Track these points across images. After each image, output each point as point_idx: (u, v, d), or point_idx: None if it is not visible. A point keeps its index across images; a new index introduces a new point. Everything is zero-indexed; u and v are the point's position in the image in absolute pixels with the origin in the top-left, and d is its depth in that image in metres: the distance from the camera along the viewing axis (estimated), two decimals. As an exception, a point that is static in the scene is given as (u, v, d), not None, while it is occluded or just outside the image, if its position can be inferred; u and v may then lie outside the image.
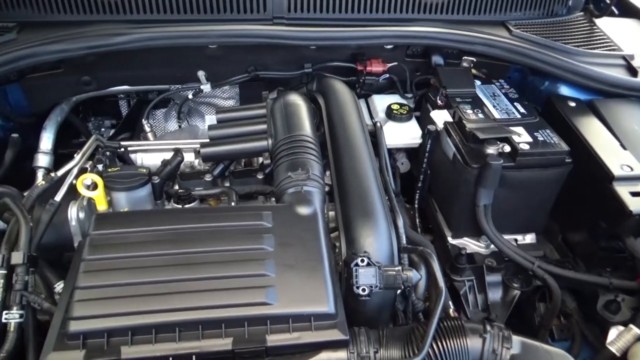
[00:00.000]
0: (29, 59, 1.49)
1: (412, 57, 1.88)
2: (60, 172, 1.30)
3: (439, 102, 1.67)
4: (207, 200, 1.44)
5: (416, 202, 1.72)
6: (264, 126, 1.45)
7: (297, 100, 1.51)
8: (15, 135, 1.61)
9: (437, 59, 1.81)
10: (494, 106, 1.62)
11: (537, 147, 1.43)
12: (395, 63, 1.84)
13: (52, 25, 1.62)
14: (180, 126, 2.05)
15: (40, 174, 1.61)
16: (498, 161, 1.38)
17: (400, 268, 1.08)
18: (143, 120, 1.87)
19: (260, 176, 1.47)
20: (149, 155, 1.64)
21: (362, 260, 1.09)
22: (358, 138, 1.41)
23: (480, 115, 1.57)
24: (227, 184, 1.53)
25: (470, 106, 1.60)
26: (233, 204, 1.32)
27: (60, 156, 1.70)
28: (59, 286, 1.19)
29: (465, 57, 1.81)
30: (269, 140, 1.39)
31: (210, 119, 1.97)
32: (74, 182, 1.30)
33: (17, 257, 1.09)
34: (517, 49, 1.68)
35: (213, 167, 1.50)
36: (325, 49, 1.77)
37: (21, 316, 1.06)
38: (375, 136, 1.59)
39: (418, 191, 1.71)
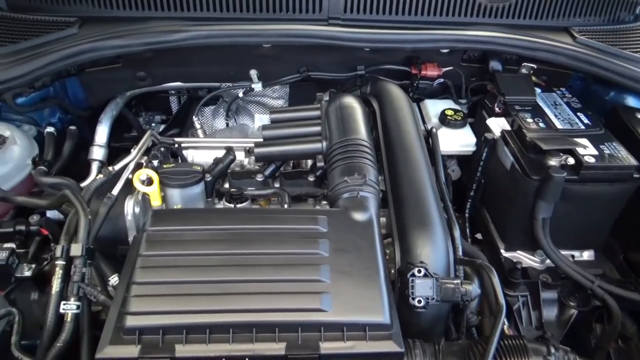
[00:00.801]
0: (91, 53, 1.52)
1: (469, 62, 1.83)
2: (117, 167, 1.31)
3: (497, 109, 1.62)
4: (257, 201, 1.43)
5: (467, 211, 1.67)
6: (318, 128, 1.43)
7: (352, 103, 1.48)
8: (73, 127, 1.65)
9: (495, 65, 1.75)
10: (556, 115, 1.56)
11: (603, 160, 1.36)
12: (451, 68, 1.79)
13: (111, 21, 1.65)
14: (227, 124, 2.06)
15: (95, 166, 1.64)
16: (561, 174, 1.32)
17: (459, 281, 1.05)
18: (193, 117, 1.89)
19: (311, 178, 1.46)
20: (199, 152, 1.65)
21: (419, 271, 1.06)
22: (414, 144, 1.38)
23: (541, 125, 1.50)
24: (277, 185, 1.51)
25: (530, 115, 1.54)
26: (286, 206, 1.31)
27: (113, 149, 1.74)
28: (113, 279, 1.20)
29: (525, 64, 1.74)
30: (323, 142, 1.37)
31: (260, 118, 1.97)
32: (130, 176, 1.31)
33: (76, 249, 1.10)
34: (583, 57, 1.61)
35: (264, 167, 1.49)
36: (379, 51, 1.74)
37: (78, 307, 1.08)
38: (429, 142, 1.55)
39: (469, 200, 1.66)
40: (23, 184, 1.41)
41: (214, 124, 2.09)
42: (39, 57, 1.47)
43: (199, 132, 1.86)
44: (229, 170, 1.49)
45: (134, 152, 1.38)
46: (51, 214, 1.41)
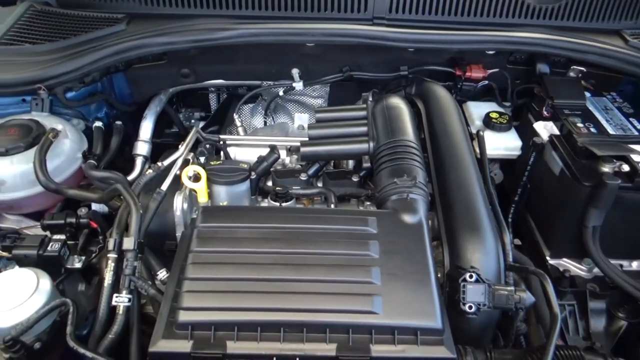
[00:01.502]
0: (139, 49, 1.54)
1: (515, 64, 1.79)
2: (165, 162, 1.33)
3: (545, 113, 1.58)
4: (300, 200, 1.43)
5: (510, 216, 1.64)
6: (364, 128, 1.42)
7: (399, 103, 1.47)
8: (119, 122, 1.68)
9: (542, 67, 1.71)
10: (607, 120, 1.52)
11: (659, 168, 1.31)
12: (496, 70, 1.76)
13: (158, 18, 1.67)
14: (265, 122, 2.07)
15: (139, 161, 1.66)
16: (615, 181, 1.28)
17: (513, 288, 1.03)
18: (234, 114, 1.90)
19: (355, 179, 1.45)
20: (241, 150, 1.66)
21: (471, 276, 1.04)
22: (462, 147, 1.36)
23: (592, 130, 1.46)
24: (320, 184, 1.51)
25: (580, 119, 1.50)
26: (332, 206, 1.30)
27: (154, 145, 1.75)
28: (161, 274, 1.21)
29: (574, 67, 1.70)
30: (370, 143, 1.36)
31: (299, 117, 1.97)
32: (178, 172, 1.32)
33: (128, 243, 1.12)
34: (635, 60, 1.56)
35: (307, 166, 1.49)
36: (423, 51, 1.72)
37: (129, 300, 1.09)
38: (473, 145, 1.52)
39: (513, 205, 1.63)
40: (73, 176, 1.43)
41: (252, 122, 2.10)
42: (89, 52, 1.50)
43: (240, 129, 1.87)
44: (272, 169, 1.49)
45: (181, 148, 1.39)
46: (96, 206, 1.43)
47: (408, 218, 1.15)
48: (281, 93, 1.89)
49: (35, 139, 1.36)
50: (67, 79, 1.48)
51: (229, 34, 1.57)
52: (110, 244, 1.14)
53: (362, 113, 1.47)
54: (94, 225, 1.34)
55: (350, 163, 1.60)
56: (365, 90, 1.87)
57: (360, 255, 1.06)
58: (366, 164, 1.41)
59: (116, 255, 1.13)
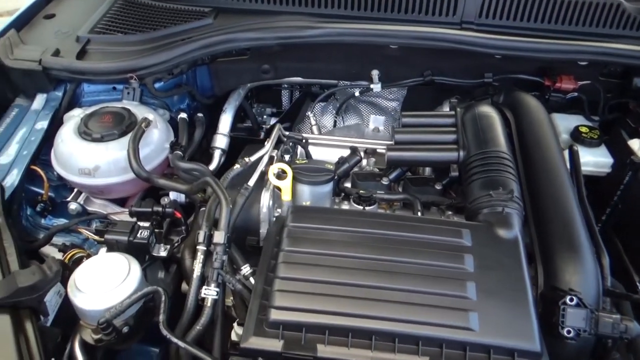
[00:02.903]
0: (227, 44, 1.55)
1: (608, 76, 1.70)
2: (252, 158, 1.33)
3: (642, 130, 1.50)
4: (379, 204, 1.41)
5: (596, 237, 1.56)
6: (453, 136, 1.38)
7: (491, 112, 1.42)
8: (200, 115, 1.70)
9: (639, 82, 1.62)
10: None
11: None
12: (588, 82, 1.67)
13: (243, 13, 1.68)
14: (335, 122, 2.05)
15: (217, 154, 1.68)
16: None
17: (619, 316, 0.97)
18: (309, 113, 1.89)
19: (438, 187, 1.41)
20: (318, 149, 1.65)
21: (572, 299, 0.99)
22: (556, 161, 1.30)
23: (697, 151, 1.38)
24: (400, 189, 1.49)
25: (682, 139, 1.42)
26: (419, 214, 1.27)
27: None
28: (245, 269, 1.22)
29: (675, 83, 1.60)
30: (461, 152, 1.33)
31: (375, 119, 1.94)
32: (264, 169, 1.33)
33: (219, 236, 1.13)
34: None
35: (388, 170, 1.46)
36: (511, 59, 1.66)
37: (217, 294, 1.10)
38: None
39: (599, 225, 1.55)
40: (160, 166, 1.46)
41: (322, 121, 2.09)
42: (179, 45, 1.53)
43: (314, 128, 1.86)
44: (352, 171, 1.48)
45: (267, 145, 1.40)
46: (173, 195, 1.46)
47: (503, 233, 1.11)
48: (357, 94, 1.87)
49: (128, 127, 1.40)
50: (157, 70, 1.51)
51: (316, 32, 1.56)
52: (201, 237, 1.15)
53: (451, 120, 1.43)
54: (178, 215, 1.36)
55: (427, 170, 1.56)
56: (444, 96, 1.83)
57: (454, 268, 1.03)
58: (454, 173, 1.37)
59: (205, 248, 1.14)
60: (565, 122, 1.68)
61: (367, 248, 1.06)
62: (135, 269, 1.14)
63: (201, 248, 1.14)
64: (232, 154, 1.68)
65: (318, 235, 1.09)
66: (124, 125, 1.40)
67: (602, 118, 1.70)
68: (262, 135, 1.98)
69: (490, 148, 1.28)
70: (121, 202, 1.53)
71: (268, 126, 2.04)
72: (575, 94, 1.68)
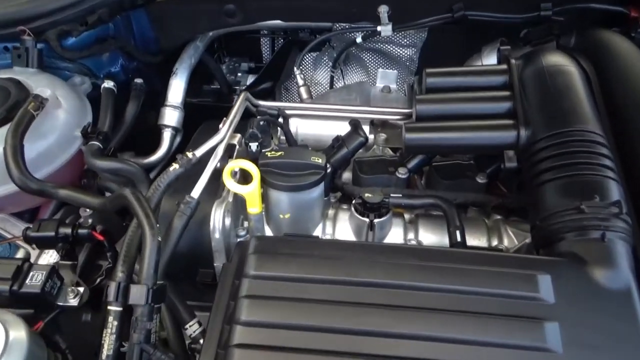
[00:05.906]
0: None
1: None
2: (198, 152, 0.87)
3: None
4: (394, 210, 0.95)
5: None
6: (507, 104, 0.89)
7: (567, 66, 0.91)
8: (139, 80, 1.24)
9: None
10: None
11: None
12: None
13: None
14: (332, 78, 1.59)
15: (167, 134, 1.24)
16: None
17: None
18: (295, 69, 1.41)
19: (480, 180, 0.95)
20: (306, 123, 1.19)
21: None
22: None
23: None
24: (423, 182, 1.03)
25: None
26: (458, 234, 0.82)
27: (188, 107, 1.32)
28: (191, 328, 0.80)
29: None
30: (521, 130, 0.84)
31: (384, 74, 1.45)
32: (218, 167, 0.88)
33: (138, 295, 0.70)
34: None
35: (407, 157, 1.00)
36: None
37: (140, 387, 0.68)
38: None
39: None
40: (71, 165, 1.00)
41: (314, 77, 1.63)
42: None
43: (302, 90, 1.38)
44: (354, 158, 1.02)
45: (223, 129, 0.93)
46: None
47: (606, 276, 0.66)
48: (359, 40, 1.37)
49: (11, 110, 0.93)
50: (62, 19, 1.06)
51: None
52: (112, 291, 0.72)
53: (502, 78, 0.93)
54: (99, 236, 0.93)
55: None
56: (480, 39, 1.32)
57: (531, 348, 0.60)
58: (509, 164, 0.90)
59: (120, 309, 0.72)
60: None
61: (375, 318, 0.62)
62: (19, 336, 0.73)
63: (113, 309, 0.72)
64: (194, 128, 1.23)
65: (294, 291, 0.65)
66: (6, 108, 0.93)
67: None
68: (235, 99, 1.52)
69: (573, 126, 0.80)
70: (31, 214, 1.09)
71: (243, 87, 1.57)
72: (674, 28, 1.17)
